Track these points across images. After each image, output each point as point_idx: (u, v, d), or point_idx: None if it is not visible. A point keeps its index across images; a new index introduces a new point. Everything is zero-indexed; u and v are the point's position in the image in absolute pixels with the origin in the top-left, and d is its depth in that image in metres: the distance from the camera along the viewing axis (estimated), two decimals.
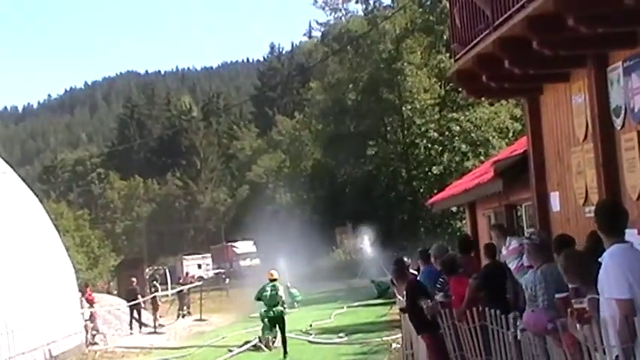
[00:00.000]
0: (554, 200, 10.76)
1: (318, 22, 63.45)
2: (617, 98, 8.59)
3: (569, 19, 7.40)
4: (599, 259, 5.73)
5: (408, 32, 50.20)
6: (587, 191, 9.57)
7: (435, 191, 33.67)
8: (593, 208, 6.91)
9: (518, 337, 7.94)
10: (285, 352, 20.31)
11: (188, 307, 36.29)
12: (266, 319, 21.44)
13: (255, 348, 22.13)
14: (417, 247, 21.09)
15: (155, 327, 31.17)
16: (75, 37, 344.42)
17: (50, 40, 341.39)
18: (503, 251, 10.12)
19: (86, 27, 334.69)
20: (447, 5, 13.22)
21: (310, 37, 78.44)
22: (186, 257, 75.39)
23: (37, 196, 29.91)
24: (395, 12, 49.76)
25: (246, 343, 22.74)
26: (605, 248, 5.73)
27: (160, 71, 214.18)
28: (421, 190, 48.64)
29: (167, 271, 53.06)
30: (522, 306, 8.07)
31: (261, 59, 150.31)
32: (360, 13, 55.36)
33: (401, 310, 14.20)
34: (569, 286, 6.52)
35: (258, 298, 21.24)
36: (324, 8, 55.18)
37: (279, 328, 20.74)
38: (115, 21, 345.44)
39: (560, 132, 10.40)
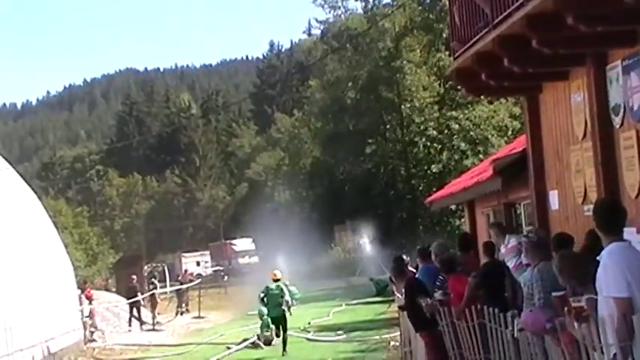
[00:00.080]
0: (553, 199, 10.77)
1: (317, 20, 63.51)
2: (616, 97, 8.60)
3: (568, 18, 7.41)
4: (598, 258, 5.74)
5: (407, 30, 50.18)
6: (585, 190, 9.58)
7: (434, 189, 33.66)
8: (591, 206, 6.91)
9: (516, 336, 7.94)
10: (284, 351, 20.37)
11: (186, 305, 36.31)
12: (269, 319, 21.56)
13: (254, 345, 22.18)
14: (416, 245, 21.14)
15: (153, 324, 31.18)
16: (74, 35, 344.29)
17: (49, 38, 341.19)
18: (502, 249, 10.12)
19: (85, 24, 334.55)
20: (447, 3, 13.22)
21: (310, 35, 78.54)
22: (184, 255, 75.42)
23: (36, 192, 29.89)
24: (394, 10, 49.73)
25: (245, 340, 22.78)
26: (603, 247, 5.73)
27: (159, 68, 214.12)
28: (420, 189, 48.64)
29: (166, 268, 53.12)
30: (521, 304, 8.07)
31: (261, 57, 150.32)
32: (360, 11, 55.39)
33: (400, 307, 14.22)
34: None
35: (262, 299, 21.27)
36: (323, 6, 55.16)
37: (282, 327, 20.82)
38: (114, 18, 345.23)
39: (559, 130, 10.40)
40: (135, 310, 31.12)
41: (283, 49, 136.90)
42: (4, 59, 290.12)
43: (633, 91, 8.24)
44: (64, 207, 75.45)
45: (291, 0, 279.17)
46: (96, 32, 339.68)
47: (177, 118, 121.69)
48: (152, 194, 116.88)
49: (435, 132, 48.45)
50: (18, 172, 27.87)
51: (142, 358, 23.37)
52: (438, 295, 10.60)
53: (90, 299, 28.53)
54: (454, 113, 47.56)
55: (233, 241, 77.95)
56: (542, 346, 7.17)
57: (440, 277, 10.82)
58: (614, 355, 5.45)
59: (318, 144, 57.13)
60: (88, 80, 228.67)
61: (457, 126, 46.82)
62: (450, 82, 43.58)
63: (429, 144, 48.87)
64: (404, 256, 15.51)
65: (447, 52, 42.63)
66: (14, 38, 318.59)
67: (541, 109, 11.02)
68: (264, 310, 22.48)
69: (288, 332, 21.70)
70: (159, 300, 33.49)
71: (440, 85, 48.61)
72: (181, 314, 35.28)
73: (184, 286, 37.06)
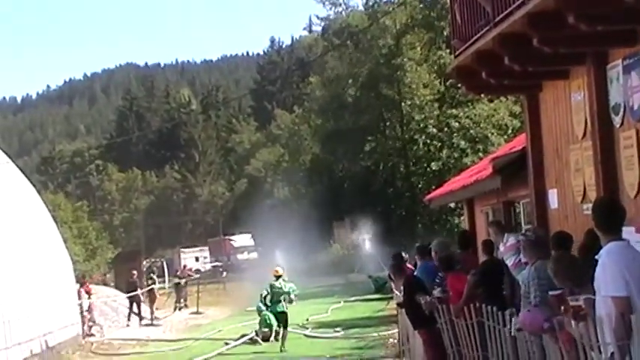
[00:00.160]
0: (552, 197, 10.77)
1: (318, 17, 63.48)
2: (617, 96, 8.60)
3: (569, 17, 7.41)
4: (596, 257, 5.75)
5: (408, 28, 50.14)
6: (585, 189, 9.59)
7: (434, 187, 33.67)
8: (591, 205, 6.93)
9: (514, 334, 7.96)
10: (283, 347, 20.51)
11: (185, 300, 36.32)
12: (271, 315, 21.74)
13: (252, 341, 22.20)
14: (415, 242, 21.17)
15: (152, 319, 31.20)
16: (75, 29, 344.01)
17: (50, 32, 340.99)
18: (501, 248, 10.13)
19: (86, 19, 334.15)
20: (448, 1, 13.22)
21: (310, 31, 78.52)
22: (183, 250, 75.40)
23: (35, 187, 29.89)
24: (395, 7, 49.69)
25: (243, 336, 22.80)
26: (602, 246, 5.74)
27: (159, 64, 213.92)
28: (419, 186, 48.64)
29: (164, 263, 53.15)
30: (519, 303, 8.09)
31: (261, 53, 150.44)
32: (361, 8, 55.36)
33: (398, 305, 14.23)
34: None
35: (264, 298, 21.32)
36: (324, 3, 55.11)
37: (283, 323, 21.02)
38: (115, 13, 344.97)
39: (559, 129, 10.41)
40: (135, 305, 31.15)
41: (284, 46, 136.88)
42: (4, 53, 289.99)
43: (633, 91, 8.25)
44: (63, 201, 75.43)
45: None
46: (97, 27, 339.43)
47: (177, 114, 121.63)
48: (151, 189, 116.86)
49: (434, 130, 48.44)
50: (17, 166, 27.88)
51: (140, 353, 23.37)
52: (436, 292, 10.62)
53: (89, 294, 28.55)
54: (454, 111, 47.55)
55: (232, 237, 77.94)
56: (540, 345, 7.18)
57: (439, 274, 10.84)
58: (612, 353, 5.46)
59: (318, 141, 57.11)
60: (89, 75, 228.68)
61: (457, 124, 46.81)
62: (450, 80, 43.56)
63: (428, 142, 48.86)
64: (403, 254, 15.53)
65: (448, 50, 42.62)
66: (15, 32, 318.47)
67: (541, 108, 11.02)
68: (263, 306, 22.60)
69: (289, 329, 21.81)
70: (157, 295, 33.51)
71: (440, 83, 48.58)
72: (180, 309, 35.29)
73: (183, 282, 37.08)
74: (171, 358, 21.68)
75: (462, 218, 33.76)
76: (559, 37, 8.20)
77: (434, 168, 47.65)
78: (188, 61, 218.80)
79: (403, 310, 13.01)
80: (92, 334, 26.84)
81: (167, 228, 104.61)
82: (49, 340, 22.22)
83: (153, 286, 32.85)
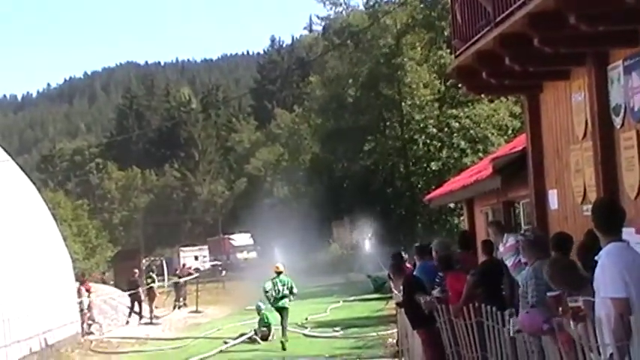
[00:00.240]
0: (552, 198, 10.77)
1: (318, 17, 63.45)
2: (617, 97, 8.59)
3: (570, 17, 7.40)
4: (596, 258, 5.74)
5: (408, 28, 50.11)
6: (585, 189, 9.58)
7: (433, 187, 33.66)
8: (591, 206, 6.93)
9: (513, 335, 7.95)
10: (284, 339, 20.80)
11: (184, 299, 36.33)
12: (269, 314, 22.08)
13: (251, 340, 22.22)
14: (414, 242, 21.16)
15: (151, 318, 31.21)
16: (75, 27, 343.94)
17: (50, 30, 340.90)
18: (501, 248, 10.13)
19: (87, 17, 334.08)
20: (449, 1, 13.21)
21: (311, 31, 78.49)
22: (183, 249, 75.44)
23: (35, 185, 29.89)
24: (396, 7, 49.66)
25: (242, 335, 22.81)
26: (601, 247, 5.74)
27: (159, 62, 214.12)
28: (419, 186, 48.61)
29: (164, 262, 53.15)
30: (518, 303, 8.09)
31: (261, 52, 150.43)
32: (361, 7, 55.32)
33: (397, 304, 14.23)
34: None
35: (270, 299, 21.40)
36: (324, 2, 55.05)
37: (284, 317, 21.09)
38: (115, 12, 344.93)
39: (560, 130, 10.40)
40: (136, 303, 31.18)
41: (284, 45, 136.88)
42: (5, 52, 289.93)
43: (634, 92, 8.24)
44: (63, 199, 75.44)
45: None
46: (97, 26, 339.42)
47: (177, 113, 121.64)
48: (151, 188, 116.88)
49: (434, 130, 48.40)
50: (18, 164, 27.87)
51: (139, 352, 23.36)
52: (435, 292, 10.61)
53: (88, 292, 28.55)
54: (454, 111, 47.52)
55: (231, 236, 78.02)
56: (539, 345, 7.18)
57: (439, 274, 10.84)
58: (611, 355, 5.46)
59: (318, 140, 57.09)
60: (89, 73, 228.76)
61: (457, 124, 46.78)
62: (450, 80, 43.52)
63: (428, 142, 48.81)
64: (402, 253, 15.53)
65: (448, 50, 42.60)
66: (16, 31, 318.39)
67: (541, 109, 11.02)
68: (262, 305, 22.66)
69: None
70: (157, 294, 33.51)
71: (440, 82, 48.56)
72: (179, 308, 35.30)
73: (182, 280, 37.09)
74: (170, 357, 21.68)
75: (461, 218, 33.75)
76: (560, 37, 8.19)
77: (434, 168, 47.61)
78: (188, 59, 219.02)
79: (402, 309, 13.00)
80: (91, 333, 26.84)
81: (167, 227, 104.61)
82: (49, 338, 22.21)
83: (152, 284, 32.85)
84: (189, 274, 38.95)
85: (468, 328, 9.36)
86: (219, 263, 66.51)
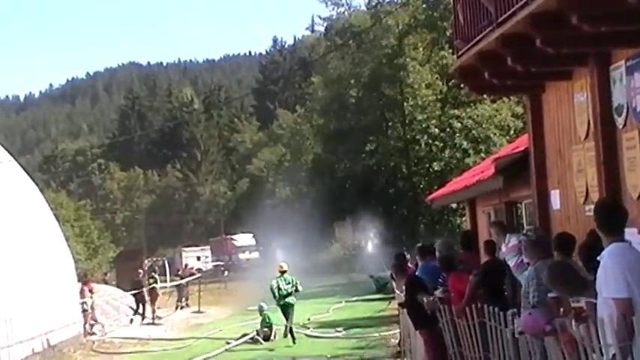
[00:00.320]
0: (555, 198, 10.76)
1: (320, 17, 63.47)
2: (620, 97, 8.59)
3: (572, 17, 7.40)
4: (598, 258, 5.74)
5: (411, 28, 50.11)
6: (587, 190, 9.57)
7: (436, 187, 33.65)
8: (593, 206, 6.92)
9: (516, 336, 7.95)
10: (294, 339, 21.18)
11: (186, 299, 36.34)
12: (271, 315, 22.29)
13: (253, 341, 22.23)
14: (417, 242, 21.15)
15: (153, 318, 31.21)
16: (77, 28, 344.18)
17: (53, 31, 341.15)
18: (503, 248, 10.12)
19: (89, 18, 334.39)
20: (451, 2, 13.21)
21: (313, 31, 78.45)
22: (185, 249, 75.45)
23: (38, 185, 29.91)
24: (398, 8, 49.66)
25: (244, 335, 22.81)
26: (603, 246, 5.74)
27: (161, 63, 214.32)
28: (421, 186, 48.60)
29: (166, 262, 53.13)
30: (521, 303, 8.09)
31: (264, 53, 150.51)
32: (363, 8, 55.33)
33: (400, 305, 14.22)
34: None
35: (276, 295, 21.52)
36: (326, 3, 55.07)
37: (289, 315, 21.42)
38: (117, 12, 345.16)
39: (562, 130, 10.40)
40: (140, 304, 31.21)
41: (286, 45, 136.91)
42: (7, 52, 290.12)
43: (636, 92, 8.23)
44: (65, 200, 75.51)
45: None
46: (99, 26, 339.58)
47: (179, 113, 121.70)
48: (153, 188, 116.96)
49: (437, 130, 48.40)
50: (20, 164, 27.89)
51: (141, 352, 23.37)
52: (438, 292, 10.61)
53: (91, 292, 28.56)
54: (456, 111, 47.52)
55: (234, 237, 77.99)
56: (542, 346, 7.17)
57: (442, 274, 10.84)
58: (614, 355, 5.45)
59: (320, 140, 57.10)
60: (91, 74, 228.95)
61: (459, 124, 46.77)
62: (452, 81, 43.52)
63: (430, 142, 48.81)
64: (405, 254, 15.53)
65: (451, 51, 42.58)
66: (18, 31, 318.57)
67: (544, 109, 11.01)
68: (264, 305, 22.72)
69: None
70: (159, 294, 33.52)
71: (442, 83, 48.56)
72: (181, 309, 35.31)
73: (184, 281, 37.09)
74: (172, 357, 21.67)
75: (463, 219, 33.72)
76: (562, 37, 8.19)
77: (436, 168, 47.61)
78: (190, 60, 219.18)
79: (404, 310, 13.00)
80: (93, 333, 26.84)
81: (169, 227, 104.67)
82: (51, 338, 22.23)
83: (154, 285, 32.85)
84: (192, 274, 38.95)
85: (471, 329, 9.36)
86: (221, 264, 66.51)
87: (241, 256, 73.00)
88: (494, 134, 45.28)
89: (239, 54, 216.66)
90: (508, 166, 12.65)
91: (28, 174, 28.47)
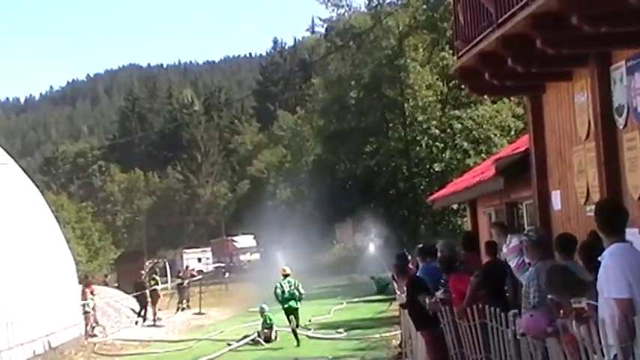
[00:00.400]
0: (556, 199, 10.75)
1: (320, 19, 63.52)
2: (620, 97, 8.58)
3: (572, 18, 7.39)
4: (599, 259, 5.74)
5: (411, 29, 50.10)
6: (588, 190, 9.57)
7: (436, 188, 33.64)
8: (594, 207, 6.92)
9: (518, 337, 7.95)
10: (297, 340, 21.26)
11: (187, 301, 36.34)
12: (272, 316, 22.41)
13: (254, 342, 22.22)
14: (417, 243, 21.14)
15: (154, 320, 31.22)
16: (77, 30, 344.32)
17: (53, 33, 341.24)
18: (504, 249, 10.12)
19: (89, 20, 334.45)
20: (451, 2, 13.21)
21: (313, 32, 78.48)
22: (186, 251, 75.47)
23: (38, 187, 29.91)
24: (398, 9, 49.66)
25: (245, 337, 22.82)
26: (604, 246, 5.73)
27: (162, 64, 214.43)
28: (422, 187, 48.59)
29: (167, 264, 53.16)
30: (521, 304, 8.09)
31: (264, 54, 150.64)
32: (363, 9, 55.31)
33: (401, 305, 14.22)
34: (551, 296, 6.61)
35: (280, 297, 21.61)
36: (326, 4, 55.06)
37: (294, 319, 21.58)
38: (117, 14, 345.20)
39: (562, 130, 10.39)
40: (142, 305, 31.22)
41: (286, 47, 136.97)
42: (7, 54, 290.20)
43: (637, 92, 8.23)
44: (65, 202, 75.52)
45: None
46: (99, 28, 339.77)
47: (179, 115, 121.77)
48: (154, 190, 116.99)
49: (437, 131, 48.37)
50: (20, 166, 27.89)
51: (143, 354, 23.37)
52: (439, 293, 10.60)
53: (92, 294, 28.55)
54: (457, 112, 47.50)
55: (234, 238, 77.99)
56: (543, 347, 7.17)
57: (444, 275, 10.84)
58: (615, 356, 5.45)
59: (320, 142, 57.10)
60: (91, 75, 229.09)
61: (460, 125, 46.76)
62: (453, 82, 43.51)
63: (431, 143, 48.79)
64: (407, 254, 15.52)
65: (451, 51, 42.56)
66: (18, 33, 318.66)
67: (544, 109, 11.01)
68: (265, 307, 22.75)
69: (289, 329, 21.90)
70: (160, 296, 33.52)
71: (443, 84, 48.56)
72: (182, 310, 35.31)
73: (185, 282, 37.10)
74: (173, 359, 21.68)
75: (464, 219, 33.72)
76: (562, 38, 8.18)
77: (436, 169, 47.59)
78: (191, 62, 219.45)
79: (406, 311, 12.99)
80: (95, 335, 26.83)
81: (169, 229, 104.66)
82: (52, 340, 22.23)
83: (155, 286, 32.86)
84: (193, 276, 38.95)
85: (472, 330, 9.35)
86: (222, 265, 66.49)
87: (242, 257, 73.02)
88: (495, 135, 45.27)
89: (239, 55, 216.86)
90: (509, 167, 12.65)
91: (29, 176, 28.48)
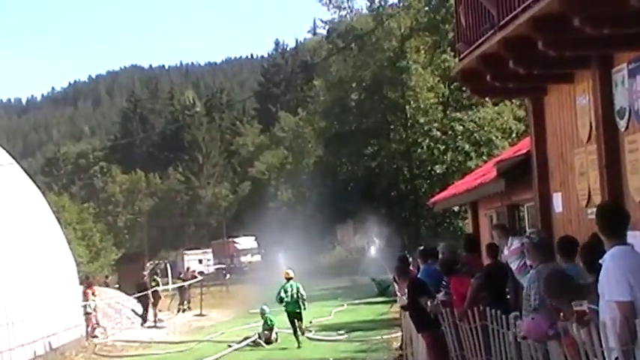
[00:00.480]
0: (557, 201, 10.74)
1: (322, 20, 63.46)
2: (622, 100, 8.58)
3: (574, 20, 7.38)
4: (600, 261, 5.74)
5: (413, 31, 50.13)
6: (589, 193, 9.56)
7: (438, 190, 33.64)
8: (595, 209, 6.91)
9: (518, 339, 7.94)
10: (299, 342, 21.30)
11: (188, 302, 36.33)
12: (272, 317, 22.34)
13: (255, 344, 22.22)
14: (419, 245, 21.15)
15: (155, 321, 31.20)
16: (79, 31, 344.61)
17: (55, 34, 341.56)
18: (505, 251, 10.11)
19: (90, 21, 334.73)
20: (453, 4, 13.20)
21: (315, 34, 78.47)
22: (187, 252, 75.48)
23: (40, 188, 29.91)
24: (400, 10, 49.68)
25: (246, 338, 22.82)
26: (605, 250, 5.73)
27: (163, 66, 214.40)
28: (423, 189, 48.61)
29: (168, 265, 53.14)
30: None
31: (266, 55, 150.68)
32: (365, 11, 55.32)
33: (402, 307, 14.21)
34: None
35: (281, 300, 21.80)
36: (328, 6, 55.08)
37: (297, 321, 21.71)
38: (119, 15, 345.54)
39: (564, 133, 10.39)
40: (143, 306, 31.22)
41: (288, 48, 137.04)
42: (9, 55, 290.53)
43: (639, 95, 8.22)
44: (67, 203, 75.57)
45: None
46: (101, 29, 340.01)
47: (181, 116, 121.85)
48: (155, 191, 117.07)
49: (438, 133, 48.39)
50: (22, 167, 27.90)
51: (143, 355, 23.36)
52: (440, 295, 10.60)
53: (94, 295, 28.53)
54: (458, 114, 47.53)
55: (236, 239, 77.97)
56: (544, 349, 7.16)
57: (445, 277, 10.83)
58: (616, 358, 5.44)
59: (322, 143, 57.13)
60: (93, 76, 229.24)
61: (461, 127, 46.79)
62: (454, 84, 43.53)
63: (432, 145, 48.82)
64: (408, 256, 15.52)
65: (453, 54, 42.57)
66: (20, 34, 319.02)
67: (546, 112, 11.00)
68: (266, 309, 22.76)
69: (290, 330, 21.92)
70: (161, 297, 33.50)
71: (445, 86, 48.57)
72: (183, 312, 35.30)
73: (186, 284, 37.08)
74: None
75: (465, 221, 33.71)
76: (564, 40, 8.17)
77: (438, 171, 47.61)
78: (192, 63, 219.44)
79: (407, 313, 12.99)
80: (95, 336, 26.82)
81: (170, 230, 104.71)
82: (53, 341, 22.22)
83: (156, 288, 32.85)
84: (194, 277, 38.94)
85: (473, 332, 9.34)
86: (223, 266, 66.48)
87: (243, 259, 72.99)
88: (496, 137, 45.29)
89: (241, 57, 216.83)
90: (510, 169, 12.64)
91: (30, 177, 28.48)
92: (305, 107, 71.15)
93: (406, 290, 12.17)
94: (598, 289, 5.69)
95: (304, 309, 22.12)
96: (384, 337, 21.17)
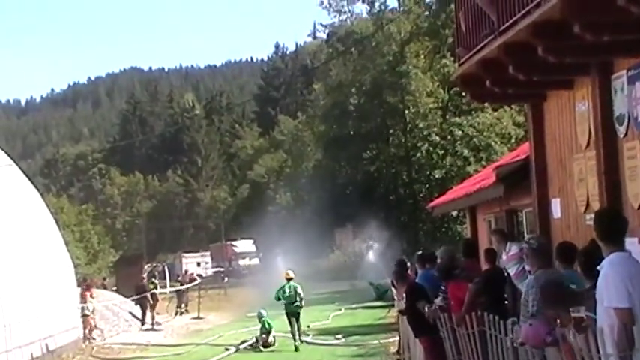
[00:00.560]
0: (555, 207, 10.75)
1: (322, 24, 63.53)
2: (621, 106, 8.59)
3: (574, 26, 7.40)
4: (598, 267, 5.74)
5: (413, 36, 50.18)
6: (588, 199, 9.57)
7: (436, 195, 33.66)
8: (593, 215, 6.91)
9: (515, 345, 7.93)
10: (298, 343, 21.34)
11: (186, 305, 36.29)
12: (270, 321, 22.38)
13: (253, 347, 22.22)
14: (417, 250, 21.16)
15: (152, 324, 31.17)
16: (79, 33, 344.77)
17: (54, 35, 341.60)
18: (504, 257, 10.11)
19: (90, 22, 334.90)
20: (453, 10, 13.22)
21: (315, 38, 78.53)
22: (185, 255, 75.38)
23: (38, 190, 29.89)
24: (400, 15, 49.74)
25: (244, 342, 22.80)
26: (603, 256, 5.73)
27: (163, 68, 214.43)
28: (422, 194, 48.63)
29: (166, 268, 53.08)
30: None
31: (265, 59, 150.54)
32: (365, 15, 55.38)
33: (400, 312, 14.20)
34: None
35: (279, 298, 21.99)
36: (329, 10, 55.11)
37: (295, 321, 21.75)
38: (119, 17, 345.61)
39: (563, 139, 10.40)
40: (141, 308, 31.18)
41: (288, 52, 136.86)
42: (9, 56, 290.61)
43: (638, 102, 8.23)
44: (66, 204, 75.54)
45: (297, 3, 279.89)
46: (101, 31, 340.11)
47: (180, 118, 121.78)
48: (154, 194, 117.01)
49: (438, 138, 48.44)
50: (21, 168, 27.89)
51: (141, 358, 23.34)
52: (438, 300, 10.59)
53: (92, 297, 28.49)
54: (458, 119, 47.56)
55: (234, 243, 77.92)
56: (542, 355, 7.16)
57: (443, 282, 10.83)
58: None
59: (321, 147, 57.16)
60: (93, 78, 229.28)
61: (460, 132, 46.82)
62: (454, 89, 43.57)
63: (431, 149, 48.86)
64: (406, 261, 15.52)
65: (452, 59, 42.60)
66: (19, 35, 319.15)
67: (545, 117, 11.01)
68: (264, 312, 22.76)
69: (287, 335, 21.92)
70: (159, 299, 33.47)
71: (444, 91, 48.61)
72: (181, 314, 35.26)
73: (184, 287, 37.04)
74: None
75: (464, 226, 33.71)
76: (564, 46, 8.19)
77: (437, 176, 47.64)
78: (192, 66, 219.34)
79: (404, 317, 12.98)
80: (93, 338, 26.79)
81: (169, 232, 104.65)
82: (50, 343, 22.18)
83: (154, 290, 32.82)
84: (192, 280, 38.90)
85: (471, 337, 9.34)
86: (221, 269, 66.42)
87: (241, 262, 72.91)
88: (496, 142, 45.32)
89: (241, 60, 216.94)
90: (509, 175, 12.65)
91: (29, 178, 28.47)
92: (304, 111, 71.19)
93: (404, 295, 12.17)
94: (596, 295, 5.69)
95: (301, 307, 22.16)
96: (382, 341, 21.13)
